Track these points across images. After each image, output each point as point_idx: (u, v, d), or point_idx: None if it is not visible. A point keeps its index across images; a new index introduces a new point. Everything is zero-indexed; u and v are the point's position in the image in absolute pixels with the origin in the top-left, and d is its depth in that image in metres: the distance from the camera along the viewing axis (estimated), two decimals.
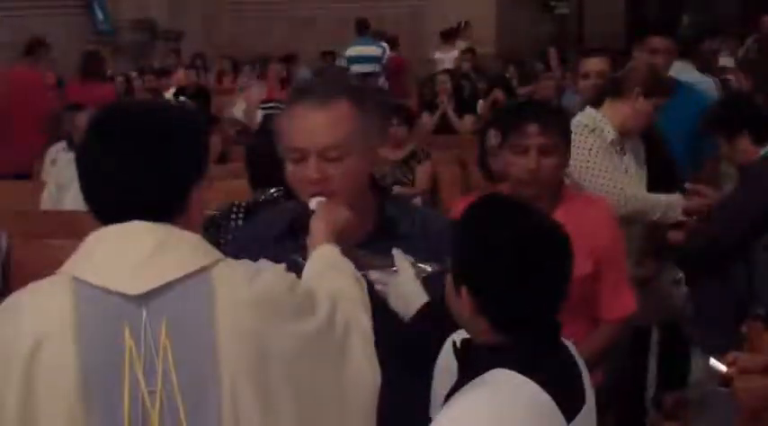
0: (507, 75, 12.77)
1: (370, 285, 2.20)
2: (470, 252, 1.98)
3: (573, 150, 4.04)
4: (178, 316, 1.79)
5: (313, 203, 2.26)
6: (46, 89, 9.09)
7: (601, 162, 4.00)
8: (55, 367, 1.76)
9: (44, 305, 1.81)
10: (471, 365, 1.97)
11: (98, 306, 1.78)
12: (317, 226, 2.20)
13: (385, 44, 13.64)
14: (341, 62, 13.52)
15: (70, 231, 4.63)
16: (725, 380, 3.18)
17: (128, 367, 1.77)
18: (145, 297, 1.78)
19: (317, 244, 2.17)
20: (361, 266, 2.18)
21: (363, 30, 13.63)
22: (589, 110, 4.16)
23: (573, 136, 4.10)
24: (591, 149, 4.01)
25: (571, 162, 4.04)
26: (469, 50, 14.12)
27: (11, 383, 1.77)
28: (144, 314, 1.78)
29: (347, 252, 2.16)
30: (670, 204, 4.12)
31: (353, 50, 13.18)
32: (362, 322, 1.99)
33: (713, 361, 3.23)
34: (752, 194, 4.08)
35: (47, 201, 6.81)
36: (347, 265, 2.12)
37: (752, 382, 3.14)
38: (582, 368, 2.06)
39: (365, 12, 16.87)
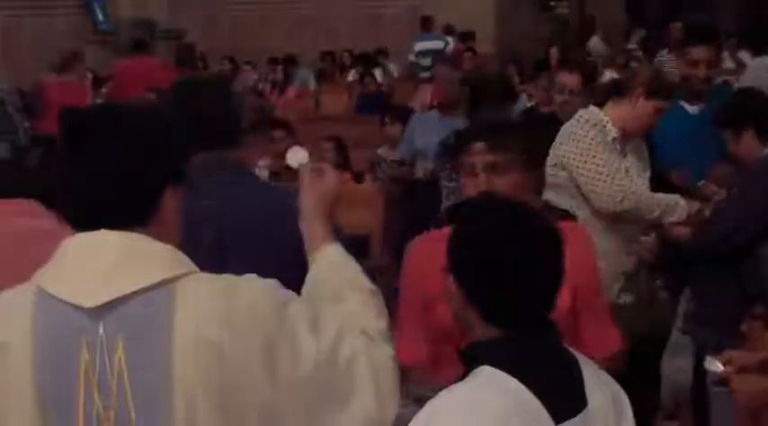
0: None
1: None
2: (455, 246, 2.03)
3: (572, 142, 4.11)
4: (136, 331, 1.74)
5: (292, 159, 2.16)
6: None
7: (601, 153, 4.04)
8: (13, 376, 1.75)
9: (6, 314, 1.79)
10: (468, 361, 2.00)
11: (57, 318, 1.75)
12: (308, 201, 2.08)
13: (449, 38, 14.94)
14: (410, 56, 14.76)
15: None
16: (720, 379, 3.18)
17: (83, 381, 1.73)
18: (103, 310, 1.73)
19: (313, 229, 2.05)
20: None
21: (428, 26, 15.17)
22: (592, 108, 4.21)
23: (573, 129, 4.16)
24: (592, 140, 4.06)
25: (570, 153, 4.09)
26: (469, 50, 14.12)
27: None
28: (101, 328, 1.73)
29: None
30: (669, 205, 4.14)
31: (419, 45, 14.58)
32: (374, 354, 1.87)
33: (708, 360, 3.22)
34: (757, 194, 4.08)
35: None
36: (358, 274, 2.00)
37: (749, 382, 3.13)
38: (594, 374, 2.06)
39: (365, 11, 16.93)
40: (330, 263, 2.02)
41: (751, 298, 3.77)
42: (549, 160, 4.11)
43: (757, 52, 9.85)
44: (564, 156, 4.11)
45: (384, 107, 9.41)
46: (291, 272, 2.02)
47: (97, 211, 1.78)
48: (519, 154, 2.77)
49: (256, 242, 2.59)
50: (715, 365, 3.18)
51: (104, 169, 1.78)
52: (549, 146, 4.11)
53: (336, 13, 17.60)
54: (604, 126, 4.10)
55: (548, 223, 2.06)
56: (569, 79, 5.03)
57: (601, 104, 4.26)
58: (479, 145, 2.75)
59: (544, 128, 3.79)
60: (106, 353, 1.73)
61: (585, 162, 4.05)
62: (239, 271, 1.87)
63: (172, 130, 1.89)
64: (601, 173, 4.03)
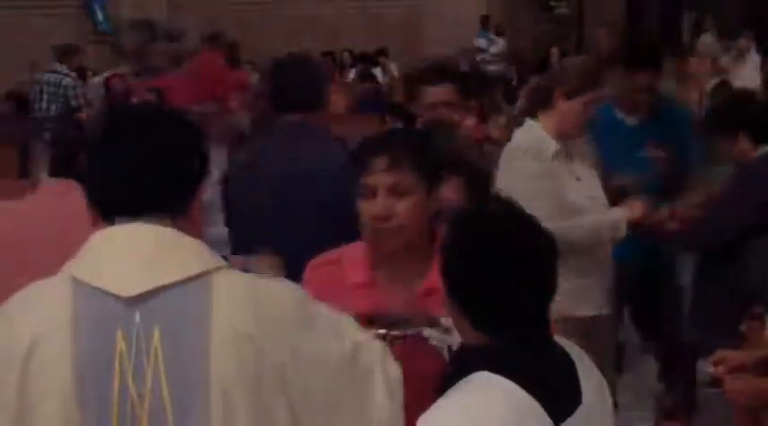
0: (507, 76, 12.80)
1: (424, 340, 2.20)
2: (444, 255, 2.04)
3: (511, 174, 3.79)
4: (172, 321, 1.77)
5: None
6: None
7: (540, 190, 3.73)
8: (50, 366, 1.77)
9: (41, 305, 1.81)
10: (459, 366, 1.99)
11: (94, 307, 1.78)
12: None
13: (493, 36, 16.65)
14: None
15: None
16: (713, 380, 3.17)
17: (118, 370, 1.76)
18: (139, 300, 1.77)
19: None
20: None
21: (485, 24, 16.75)
22: (529, 122, 4.01)
23: (510, 160, 3.88)
24: (533, 176, 3.79)
25: (510, 186, 3.56)
26: (469, 50, 14.15)
27: (9, 383, 1.78)
28: (137, 317, 1.77)
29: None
30: (614, 222, 3.92)
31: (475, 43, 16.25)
32: (388, 366, 1.95)
33: (701, 363, 3.22)
34: (753, 192, 4.09)
35: None
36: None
37: (743, 383, 3.12)
38: (585, 368, 2.06)
39: (365, 11, 16.92)
40: None
41: (746, 298, 3.76)
42: (497, 185, 3.78)
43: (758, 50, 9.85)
44: (511, 190, 3.81)
45: (385, 106, 9.42)
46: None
47: (134, 205, 1.82)
48: (423, 172, 2.42)
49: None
50: (707, 366, 3.18)
51: (144, 165, 1.83)
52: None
53: (336, 12, 17.61)
54: (541, 144, 3.86)
55: (539, 228, 2.03)
56: (447, 93, 4.23)
57: (533, 114, 4.03)
58: (379, 162, 2.40)
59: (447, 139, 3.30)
60: (143, 342, 1.77)
61: (529, 196, 3.74)
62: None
63: (200, 131, 1.96)
64: (540, 211, 3.77)
